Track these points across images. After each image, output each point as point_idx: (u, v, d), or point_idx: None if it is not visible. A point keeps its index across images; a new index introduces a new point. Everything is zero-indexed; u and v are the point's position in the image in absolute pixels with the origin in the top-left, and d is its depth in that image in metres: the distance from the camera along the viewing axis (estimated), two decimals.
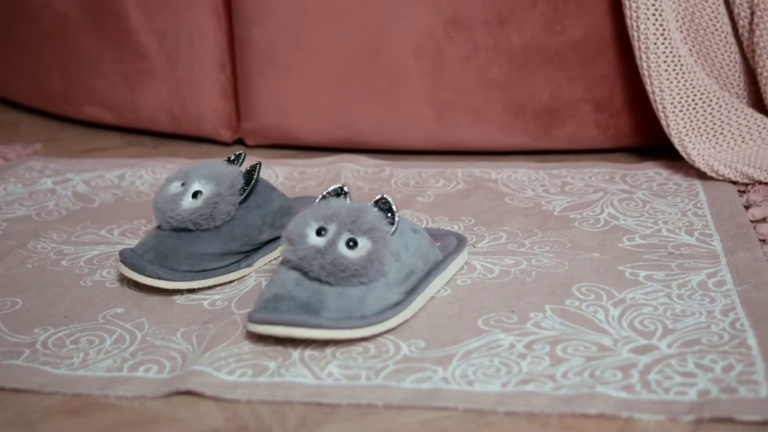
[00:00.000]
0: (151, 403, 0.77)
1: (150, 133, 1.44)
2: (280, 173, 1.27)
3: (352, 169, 1.26)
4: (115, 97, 1.41)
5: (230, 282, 0.96)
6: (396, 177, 1.24)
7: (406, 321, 0.86)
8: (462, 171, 1.24)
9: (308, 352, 0.82)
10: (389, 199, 0.87)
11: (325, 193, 0.89)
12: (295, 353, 0.82)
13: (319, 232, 0.84)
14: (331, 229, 0.84)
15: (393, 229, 0.86)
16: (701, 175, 1.17)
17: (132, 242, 1.06)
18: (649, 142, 1.27)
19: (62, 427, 0.74)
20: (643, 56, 1.14)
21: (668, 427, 0.71)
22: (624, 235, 1.03)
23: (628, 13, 1.15)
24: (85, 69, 1.42)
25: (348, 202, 0.87)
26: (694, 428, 0.71)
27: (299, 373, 0.79)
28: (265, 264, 0.99)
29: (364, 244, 0.84)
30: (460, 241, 0.98)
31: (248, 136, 1.37)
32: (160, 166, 1.29)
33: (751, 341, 0.81)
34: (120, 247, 1.03)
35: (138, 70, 1.38)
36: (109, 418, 0.75)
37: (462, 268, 0.96)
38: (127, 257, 0.93)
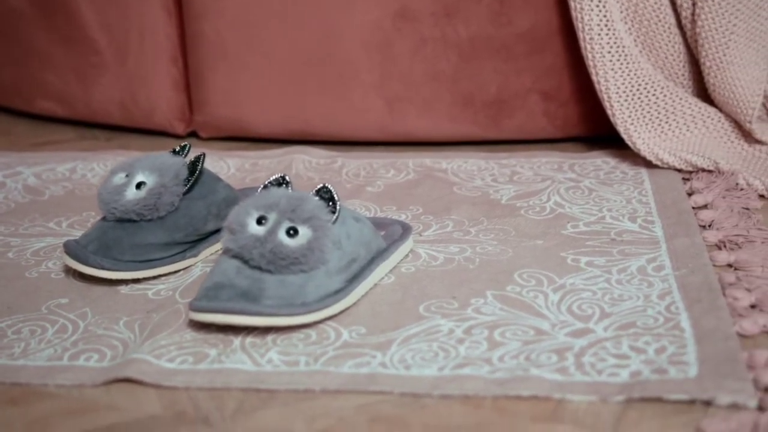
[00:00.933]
0: (90, 392, 0.77)
1: (103, 127, 1.43)
2: (231, 165, 1.27)
3: (303, 161, 1.27)
4: (67, 90, 1.41)
5: (175, 272, 0.96)
6: (347, 168, 1.24)
7: (348, 308, 0.87)
8: (413, 161, 1.25)
9: (249, 339, 0.83)
10: (331, 188, 0.88)
11: (266, 182, 0.89)
12: (237, 340, 0.83)
13: (260, 221, 0.85)
14: (272, 217, 0.85)
15: (334, 217, 0.87)
16: (647, 164, 1.18)
17: (80, 234, 1.06)
18: (597, 131, 1.28)
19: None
20: (588, 47, 1.16)
21: (599, 407, 0.72)
22: (568, 222, 1.04)
23: (572, 4, 1.16)
24: (37, 63, 1.41)
25: (289, 191, 0.88)
26: (624, 408, 0.72)
27: (239, 360, 0.80)
28: (211, 254, 1.00)
29: (304, 232, 0.84)
30: (405, 230, 0.99)
31: (201, 128, 1.37)
32: (112, 159, 1.29)
33: (685, 324, 0.82)
34: (68, 238, 1.03)
35: (90, 64, 1.37)
36: (47, 407, 0.75)
37: (407, 256, 0.97)
38: (71, 248, 0.93)
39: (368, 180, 1.20)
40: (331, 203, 0.87)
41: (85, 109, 1.41)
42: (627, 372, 0.76)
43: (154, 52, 1.34)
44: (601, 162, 1.22)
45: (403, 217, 1.08)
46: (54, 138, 1.42)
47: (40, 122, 1.48)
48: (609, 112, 1.18)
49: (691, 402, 0.72)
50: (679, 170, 1.16)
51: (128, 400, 0.75)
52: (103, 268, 0.92)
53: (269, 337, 0.83)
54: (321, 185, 0.88)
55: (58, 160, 1.30)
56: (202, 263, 0.98)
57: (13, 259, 1.01)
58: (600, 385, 0.74)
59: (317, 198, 0.87)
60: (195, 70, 1.34)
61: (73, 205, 1.15)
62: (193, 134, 1.39)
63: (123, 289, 0.93)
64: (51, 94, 1.42)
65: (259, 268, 0.84)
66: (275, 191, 0.87)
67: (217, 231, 0.99)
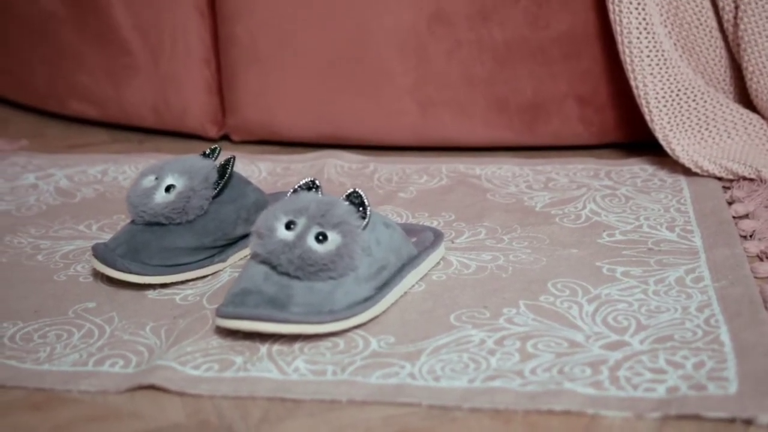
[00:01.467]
0: (113, 398, 0.76)
1: (135, 129, 1.43)
2: (263, 168, 1.26)
3: (335, 165, 1.25)
4: (99, 92, 1.41)
5: (204, 277, 0.95)
6: (379, 173, 1.23)
7: (377, 316, 0.85)
8: (446, 167, 1.23)
9: (276, 347, 0.81)
10: (361, 193, 0.86)
11: (296, 186, 0.88)
12: (263, 348, 0.81)
13: (288, 225, 0.84)
14: (301, 222, 0.83)
15: (364, 223, 0.85)
16: (686, 171, 1.15)
17: (109, 237, 1.05)
18: (634, 137, 1.25)
19: (21, 421, 0.73)
20: (626, 50, 1.13)
21: (634, 424, 0.70)
22: (604, 231, 1.02)
23: (611, 7, 1.13)
24: (70, 65, 1.41)
25: (319, 195, 0.86)
26: (660, 425, 0.70)
27: (265, 368, 0.78)
28: (240, 259, 0.99)
29: (333, 238, 0.83)
30: (437, 237, 0.97)
31: (233, 131, 1.36)
32: (144, 162, 1.29)
33: (725, 337, 0.79)
34: (97, 242, 1.02)
35: (122, 65, 1.37)
36: (70, 413, 0.74)
37: (438, 263, 0.95)
38: (99, 251, 0.93)
39: (400, 186, 1.18)
40: (361, 208, 0.86)
41: (117, 111, 1.41)
42: (664, 387, 0.73)
43: (187, 54, 1.33)
44: (638, 169, 1.19)
45: (435, 224, 1.06)
46: (87, 140, 1.42)
47: (73, 124, 1.48)
48: (647, 117, 1.15)
49: (731, 420, 0.70)
50: (719, 178, 1.13)
51: (152, 407, 0.74)
52: (130, 272, 0.91)
53: (296, 345, 0.81)
54: (351, 190, 0.86)
55: (90, 163, 1.30)
56: (230, 268, 0.97)
57: (43, 262, 1.01)
58: (636, 401, 0.72)
59: (347, 203, 0.85)
60: (227, 73, 1.33)
61: (103, 208, 1.15)
62: (225, 137, 1.38)
63: (150, 293, 0.92)
64: (84, 96, 1.42)
65: (288, 274, 0.82)
66: (305, 195, 0.86)
67: (247, 235, 0.98)
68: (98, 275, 0.96)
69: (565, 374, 0.76)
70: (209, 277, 0.95)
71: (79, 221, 1.11)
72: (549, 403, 0.72)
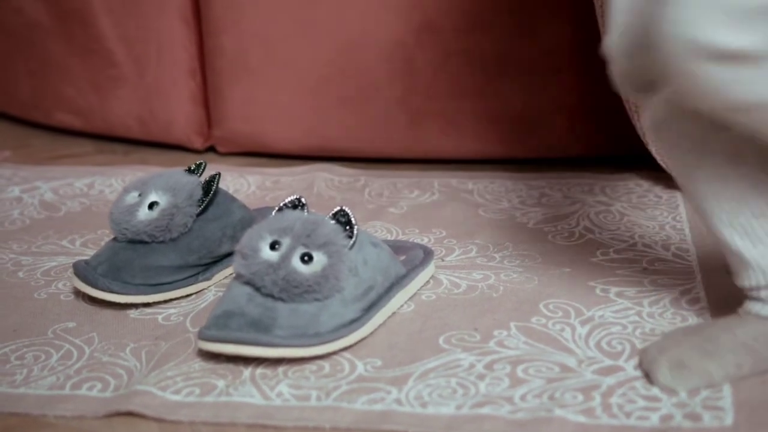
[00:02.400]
0: (89, 423, 0.73)
1: (121, 140, 1.41)
2: (252, 182, 1.24)
3: (325, 179, 1.23)
4: (85, 103, 1.38)
5: (188, 296, 0.93)
6: (370, 186, 1.21)
7: (364, 338, 0.83)
8: (438, 181, 1.21)
9: (260, 371, 0.79)
10: (348, 212, 0.84)
11: (281, 204, 0.86)
12: (246, 371, 0.79)
13: (273, 246, 0.81)
14: (285, 243, 0.81)
15: (351, 242, 0.83)
16: None
17: (92, 254, 1.03)
18: (626, 150, 1.23)
19: None
20: None
21: None
22: (598, 249, 1.00)
23: (600, 20, 1.11)
24: (55, 75, 1.39)
25: (305, 214, 0.84)
26: None
27: (247, 393, 0.76)
28: (225, 278, 0.96)
29: (319, 258, 0.81)
30: (427, 255, 0.95)
31: (219, 143, 1.34)
32: (131, 174, 1.26)
33: None
34: (79, 259, 1.00)
35: (107, 76, 1.35)
36: None
37: (428, 282, 0.93)
38: (80, 270, 0.90)
39: (391, 200, 1.16)
40: (348, 227, 0.83)
41: (102, 122, 1.38)
42: (657, 416, 0.71)
43: (173, 65, 1.31)
44: (633, 185, 1.17)
45: (425, 241, 1.04)
46: (72, 151, 1.39)
47: (58, 135, 1.46)
48: (640, 132, 1.13)
49: None
50: None
51: (128, 431, 0.72)
52: (112, 291, 0.89)
53: (280, 369, 0.79)
54: (338, 208, 0.84)
55: (77, 175, 1.28)
56: (215, 287, 0.95)
57: (24, 279, 0.98)
58: (628, 429, 0.70)
59: (333, 222, 0.83)
60: (213, 84, 1.31)
61: (88, 223, 1.13)
62: (211, 149, 1.36)
63: (132, 313, 0.90)
64: (69, 107, 1.40)
65: (272, 296, 0.80)
66: (290, 214, 0.83)
67: (232, 253, 0.96)
68: (80, 293, 0.94)
69: (555, 400, 0.73)
70: (193, 296, 0.93)
71: (62, 236, 1.09)
72: (539, 431, 0.70)
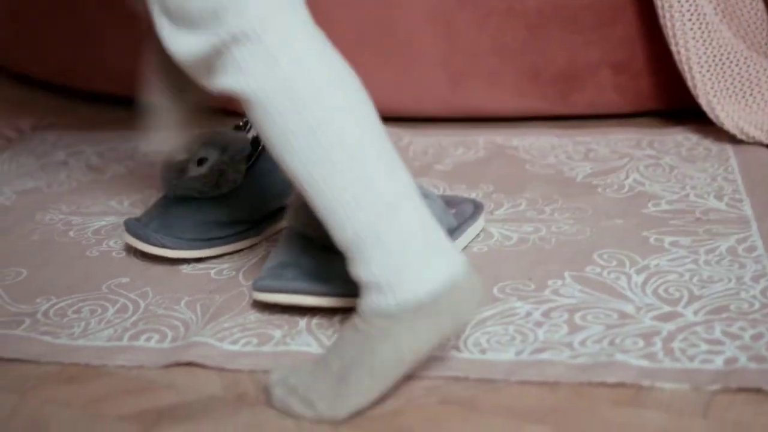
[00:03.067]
0: (149, 373, 0.74)
1: None
2: None
3: None
4: (126, 68, 1.38)
5: (239, 251, 0.93)
6: (414, 145, 1.20)
7: None
8: (483, 138, 1.20)
9: (316, 321, 0.79)
10: None
11: None
12: (302, 322, 0.79)
13: None
14: None
15: None
16: (732, 140, 1.11)
17: (141, 213, 1.04)
18: (672, 105, 1.21)
19: (54, 394, 0.71)
20: (667, 15, 1.09)
21: (687, 395, 0.67)
22: (649, 201, 0.98)
23: None
24: (96, 41, 1.39)
25: None
26: (710, 398, 0.66)
27: (305, 342, 0.76)
28: (276, 233, 0.96)
29: None
30: (477, 208, 0.94)
31: None
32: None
33: None
34: (127, 218, 1.00)
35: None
36: (103, 386, 0.72)
37: (478, 235, 0.93)
38: (131, 227, 0.91)
39: (436, 158, 1.15)
40: None
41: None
42: (721, 359, 0.70)
43: None
44: (682, 138, 1.15)
45: (473, 196, 1.03)
46: (116, 116, 1.40)
47: (101, 103, 1.46)
48: (690, 83, 1.11)
49: None
50: (767, 146, 1.09)
51: (188, 381, 0.72)
52: (165, 246, 0.89)
53: (336, 318, 0.79)
54: None
55: (121, 139, 1.28)
56: (266, 242, 0.95)
57: (74, 239, 0.99)
58: (692, 372, 0.69)
59: None
60: None
61: (135, 184, 1.13)
62: None
63: (185, 268, 0.90)
64: (110, 72, 1.40)
65: (326, 247, 0.80)
66: None
67: (282, 209, 0.96)
68: (131, 250, 0.94)
69: (616, 346, 0.73)
70: (245, 251, 0.93)
71: (110, 197, 1.10)
72: (601, 375, 0.69)
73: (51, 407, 0.70)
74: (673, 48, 1.11)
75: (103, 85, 1.42)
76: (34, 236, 1.00)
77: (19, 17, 1.49)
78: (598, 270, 0.84)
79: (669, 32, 1.10)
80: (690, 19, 1.09)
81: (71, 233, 1.00)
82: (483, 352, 0.73)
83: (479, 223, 0.93)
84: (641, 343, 0.73)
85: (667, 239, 0.89)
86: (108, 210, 1.06)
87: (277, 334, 0.77)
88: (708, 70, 1.11)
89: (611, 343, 0.73)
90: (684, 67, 1.11)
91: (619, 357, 0.71)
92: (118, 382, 0.72)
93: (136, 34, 1.35)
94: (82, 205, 1.08)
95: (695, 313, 0.76)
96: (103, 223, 1.02)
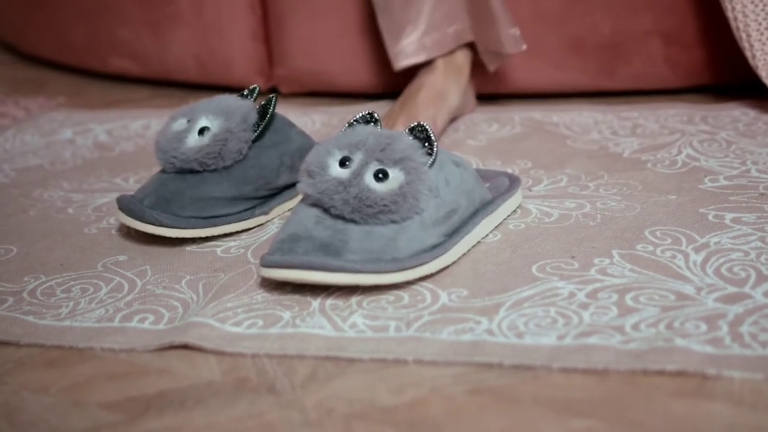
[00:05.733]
0: (140, 356, 0.65)
1: (178, 85, 1.33)
2: (317, 120, 1.15)
3: None
4: (140, 46, 1.31)
5: (246, 230, 0.84)
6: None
7: (447, 267, 0.73)
8: (519, 115, 1.11)
9: (330, 301, 0.70)
10: (427, 126, 0.74)
11: (352, 120, 0.76)
12: (315, 302, 0.70)
13: (343, 162, 0.72)
14: (357, 158, 0.72)
15: (431, 160, 0.73)
16: None
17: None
18: (727, 79, 1.11)
19: (31, 378, 0.63)
20: None
21: (761, 387, 0.57)
22: (706, 176, 0.88)
23: None
24: (110, 18, 1.32)
25: (378, 129, 0.74)
26: None
27: (317, 324, 0.67)
28: (284, 212, 0.87)
29: (395, 176, 0.71)
30: (513, 182, 0.84)
31: (282, 83, 1.25)
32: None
33: None
34: (122, 194, 0.92)
35: (163, 15, 1.27)
36: (87, 371, 0.64)
37: (515, 211, 0.83)
38: (124, 202, 0.81)
39: (469, 134, 1.06)
40: (426, 144, 0.74)
41: (159, 66, 1.31)
42: None
43: (231, 0, 1.23)
44: (739, 113, 1.05)
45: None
46: (127, 96, 1.32)
47: (114, 82, 1.39)
48: (748, 53, 1.01)
49: None
50: None
51: (183, 364, 0.64)
52: (161, 224, 0.80)
53: (353, 299, 0.70)
54: (415, 123, 0.74)
55: (132, 117, 1.21)
56: (278, 219, 0.86)
57: (73, 215, 0.91)
58: (765, 360, 0.59)
59: (411, 137, 0.74)
60: (275, 19, 1.22)
61: (143, 161, 1.05)
62: (273, 90, 1.27)
63: (189, 246, 0.82)
64: (124, 51, 1.33)
65: (342, 218, 0.71)
66: (361, 129, 0.74)
67: (291, 185, 0.87)
68: (132, 228, 0.86)
69: (675, 330, 0.63)
70: (255, 229, 0.84)
71: (115, 174, 1.02)
72: (659, 361, 0.59)
73: (25, 393, 0.61)
74: (729, 14, 1.01)
75: (116, 64, 1.35)
76: (30, 212, 0.93)
77: None
78: (651, 248, 0.75)
79: None
80: None
81: (70, 210, 0.92)
82: (520, 336, 0.64)
83: (516, 197, 0.83)
84: (704, 327, 0.63)
85: (729, 215, 0.79)
86: (111, 187, 0.98)
87: (286, 315, 0.68)
88: None
89: (669, 326, 0.63)
90: (741, 35, 1.01)
91: (679, 342, 0.61)
92: (105, 367, 0.64)
93: (151, 7, 1.28)
94: (84, 182, 1.00)
95: (765, 294, 0.66)
96: (106, 200, 0.94)
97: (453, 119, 1.09)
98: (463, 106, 1.09)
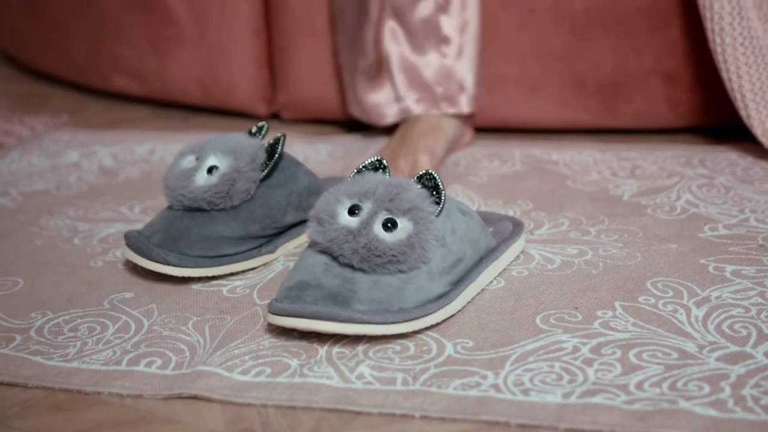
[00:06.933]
0: (146, 402, 0.66)
1: (179, 106, 1.33)
2: (322, 150, 1.16)
3: None
4: (142, 65, 1.31)
5: (252, 269, 0.85)
6: (447, 156, 1.11)
7: (452, 316, 0.74)
8: (519, 151, 1.12)
9: (337, 349, 0.71)
10: (435, 175, 0.75)
11: (360, 166, 0.77)
12: (322, 350, 0.71)
13: (353, 210, 0.73)
14: (366, 207, 0.73)
15: (438, 209, 0.74)
16: None
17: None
18: (724, 120, 1.12)
19: (38, 424, 0.63)
20: (717, 39, 1.00)
21: None
22: (705, 224, 0.90)
23: None
24: (113, 36, 1.32)
25: (387, 177, 0.75)
26: None
27: (324, 374, 0.68)
28: (294, 248, 0.88)
29: (404, 225, 0.72)
30: (516, 227, 0.86)
31: (284, 109, 1.26)
32: (193, 140, 1.19)
33: None
34: (139, 226, 0.92)
35: (166, 36, 1.27)
36: (94, 416, 0.64)
37: (518, 257, 0.84)
38: (132, 239, 0.82)
39: (470, 170, 1.07)
40: (434, 192, 0.75)
41: (160, 86, 1.31)
42: None
43: (236, 24, 1.23)
44: (736, 156, 1.06)
45: (511, 213, 0.95)
46: (128, 116, 1.33)
47: (114, 100, 1.39)
48: (743, 113, 1.03)
49: None
50: None
51: (188, 412, 0.64)
52: (168, 263, 0.81)
53: (360, 348, 0.71)
54: (423, 171, 0.75)
55: (137, 140, 1.21)
56: (284, 257, 0.87)
57: (79, 246, 0.91)
58: None
59: (419, 186, 0.74)
60: (279, 44, 1.23)
61: (148, 189, 1.06)
62: (275, 116, 1.28)
63: (195, 284, 0.82)
64: (126, 70, 1.33)
65: (351, 266, 0.72)
66: (371, 177, 0.75)
67: (298, 224, 0.88)
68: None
69: (678, 391, 0.64)
70: (260, 267, 0.85)
71: (121, 202, 1.02)
72: (663, 425, 0.61)
73: None
74: (724, 75, 1.02)
75: (117, 83, 1.35)
76: (37, 242, 0.93)
77: (37, 12, 1.42)
78: (653, 300, 0.76)
79: (719, 58, 1.02)
80: (742, 44, 1.01)
81: (76, 240, 0.93)
82: (526, 392, 0.65)
83: (519, 243, 0.84)
84: (707, 388, 0.64)
85: (729, 268, 0.81)
86: (117, 216, 0.98)
87: (294, 363, 0.69)
88: (762, 98, 1.02)
89: (672, 387, 0.64)
90: (736, 96, 1.02)
91: (683, 404, 0.62)
92: (111, 413, 0.64)
93: (154, 27, 1.28)
94: (90, 210, 1.00)
95: (767, 354, 0.68)
96: (111, 231, 0.95)
97: (452, 151, 1.10)
98: (460, 136, 1.11)
